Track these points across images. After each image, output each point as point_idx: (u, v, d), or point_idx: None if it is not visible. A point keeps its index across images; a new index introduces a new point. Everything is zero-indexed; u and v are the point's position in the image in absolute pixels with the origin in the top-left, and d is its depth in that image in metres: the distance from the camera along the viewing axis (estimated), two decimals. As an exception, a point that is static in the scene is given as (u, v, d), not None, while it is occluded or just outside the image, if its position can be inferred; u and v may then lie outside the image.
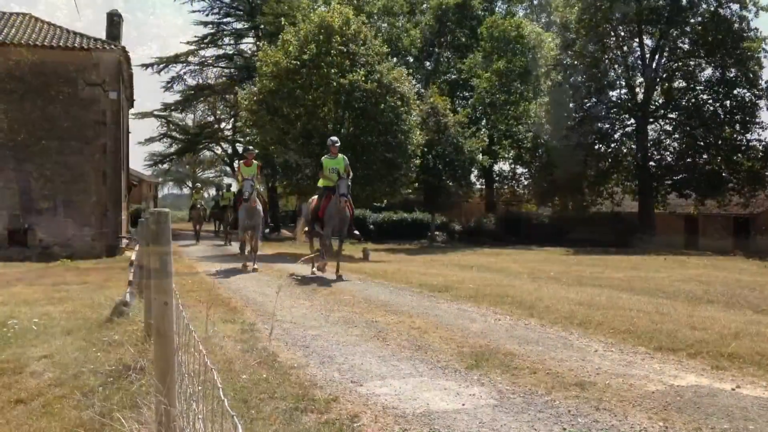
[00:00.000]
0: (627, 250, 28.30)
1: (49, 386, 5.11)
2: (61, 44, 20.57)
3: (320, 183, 13.02)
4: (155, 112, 47.14)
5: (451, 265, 17.68)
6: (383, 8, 45.67)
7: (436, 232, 33.85)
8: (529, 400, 4.41)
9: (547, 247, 30.43)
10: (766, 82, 34.72)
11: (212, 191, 62.01)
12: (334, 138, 13.23)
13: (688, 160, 36.25)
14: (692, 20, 35.37)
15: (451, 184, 31.06)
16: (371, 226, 33.09)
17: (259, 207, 14.29)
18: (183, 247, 22.05)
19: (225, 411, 2.17)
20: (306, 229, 14.12)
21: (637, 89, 37.60)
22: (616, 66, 37.94)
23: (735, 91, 35.29)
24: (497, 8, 45.96)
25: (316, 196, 13.59)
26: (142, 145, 59.50)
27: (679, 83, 37.16)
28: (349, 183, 12.55)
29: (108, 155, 21.13)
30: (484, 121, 41.12)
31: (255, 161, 15.01)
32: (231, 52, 46.17)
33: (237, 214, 14.90)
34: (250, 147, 15.41)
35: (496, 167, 43.18)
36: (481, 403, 4.35)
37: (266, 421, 3.91)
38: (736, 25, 34.63)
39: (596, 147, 37.36)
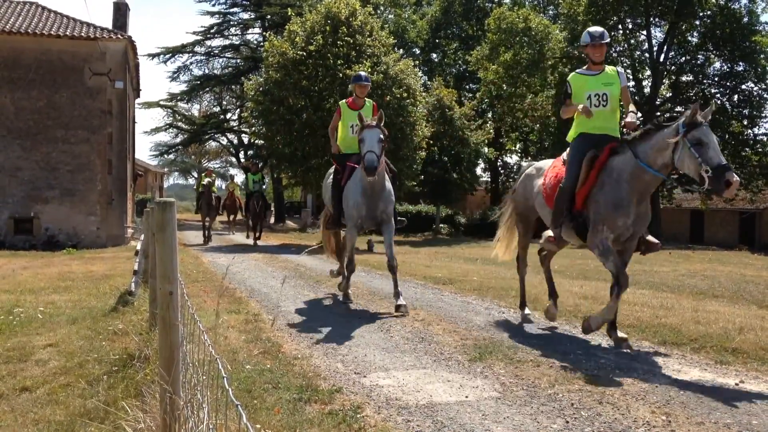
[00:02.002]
0: (632, 244, 28.15)
1: (54, 374, 5.15)
2: (67, 33, 20.57)
3: (573, 131, 6.33)
4: (161, 102, 47.30)
5: (456, 258, 17.69)
6: (390, -1, 45.57)
7: (441, 225, 33.85)
8: (532, 393, 4.42)
9: (552, 240, 30.31)
10: (774, 77, 34.59)
11: (219, 183, 62.04)
12: (596, 29, 6.21)
13: (695, 154, 36.10)
14: (701, 14, 35.18)
15: (456, 176, 31.01)
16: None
17: (389, 183, 7.95)
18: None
19: (229, 400, 2.18)
20: (545, 234, 6.72)
21: (645, 82, 37.47)
22: (623, 59, 37.78)
23: (743, 86, 35.14)
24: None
25: (544, 163, 6.90)
26: (148, 135, 59.92)
27: (687, 77, 37.02)
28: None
29: (114, 145, 21.17)
30: (491, 113, 41.05)
31: (368, 99, 8.70)
32: (237, 43, 46.18)
33: (340, 195, 8.18)
34: (362, 73, 9.08)
35: (501, 160, 43.11)
36: (484, 396, 4.36)
37: (270, 410, 3.92)
38: (745, 20, 34.46)
39: (603, 140, 37.24)
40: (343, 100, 8.65)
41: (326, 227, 9.17)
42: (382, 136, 7.48)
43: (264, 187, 21.53)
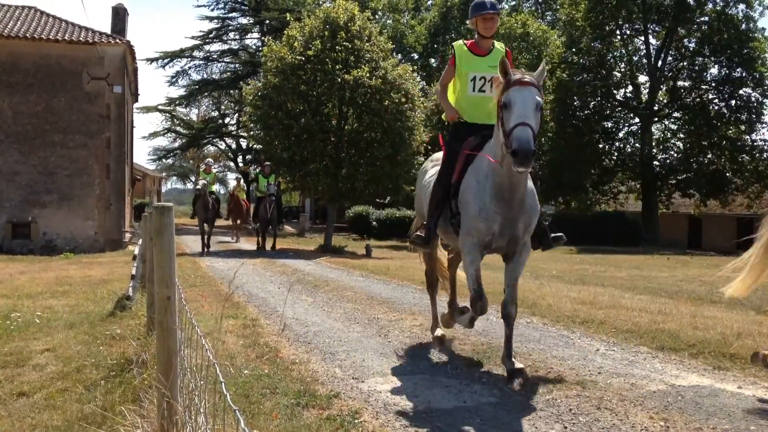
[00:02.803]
0: (630, 250, 28.27)
1: (52, 379, 5.13)
2: (65, 38, 20.60)
3: None
4: (159, 107, 47.32)
5: (454, 263, 17.62)
6: (388, 4, 45.67)
7: (439, 230, 33.83)
8: (530, 399, 4.41)
9: (550, 245, 30.34)
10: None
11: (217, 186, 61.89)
12: None
13: (693, 159, 36.23)
14: (699, 19, 35.32)
15: (454, 181, 31.01)
16: (374, 223, 33.10)
17: (531, 184, 5.05)
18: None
19: (227, 405, 2.17)
20: None
21: (642, 88, 37.58)
22: (621, 64, 37.91)
23: (741, 91, 35.24)
24: (503, 5, 45.91)
25: None
26: (146, 139, 60.04)
27: (685, 82, 37.17)
28: None
29: (112, 149, 21.18)
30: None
31: (497, 43, 5.60)
32: (236, 48, 46.35)
33: (446, 193, 5.36)
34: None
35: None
36: (482, 401, 4.36)
37: (268, 416, 3.91)
38: (743, 26, 34.58)
39: (600, 146, 37.35)
40: (460, 41, 5.63)
41: (412, 242, 5.91)
42: (540, 99, 4.57)
43: (275, 189, 19.07)
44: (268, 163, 20.03)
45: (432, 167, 6.01)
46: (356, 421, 3.93)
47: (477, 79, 5.40)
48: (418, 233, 5.76)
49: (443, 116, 5.59)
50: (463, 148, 5.24)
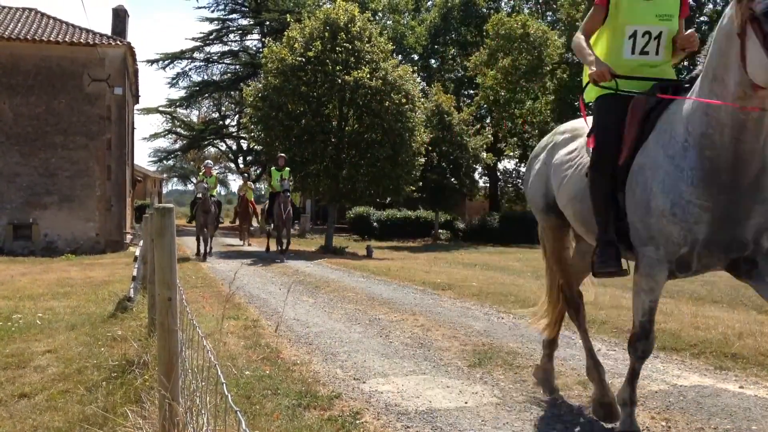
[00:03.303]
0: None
1: (53, 381, 5.13)
2: (66, 39, 20.61)
3: None
4: (160, 108, 47.38)
5: (455, 263, 17.68)
6: (388, 5, 45.68)
7: (440, 230, 33.83)
8: (531, 399, 4.41)
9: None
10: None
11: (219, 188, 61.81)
12: None
13: (693, 159, 36.28)
14: (699, 19, 35.36)
15: (455, 182, 31.05)
16: (375, 224, 33.10)
17: None
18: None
19: (228, 406, 2.17)
20: None
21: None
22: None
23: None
24: (503, 5, 45.91)
25: None
26: (147, 140, 60.05)
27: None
28: None
29: (112, 150, 21.18)
30: (489, 119, 41.07)
31: None
32: (236, 49, 46.39)
33: (614, 186, 3.46)
34: None
35: (500, 165, 43.16)
36: (483, 402, 4.36)
37: (269, 416, 3.92)
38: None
39: (601, 146, 37.38)
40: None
41: (596, 273, 3.76)
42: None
43: (289, 186, 17.24)
44: (282, 154, 18.38)
45: (568, 139, 4.10)
46: (357, 421, 3.94)
47: (639, 35, 3.68)
48: (599, 258, 3.61)
49: (585, 76, 3.80)
50: (633, 110, 3.49)
